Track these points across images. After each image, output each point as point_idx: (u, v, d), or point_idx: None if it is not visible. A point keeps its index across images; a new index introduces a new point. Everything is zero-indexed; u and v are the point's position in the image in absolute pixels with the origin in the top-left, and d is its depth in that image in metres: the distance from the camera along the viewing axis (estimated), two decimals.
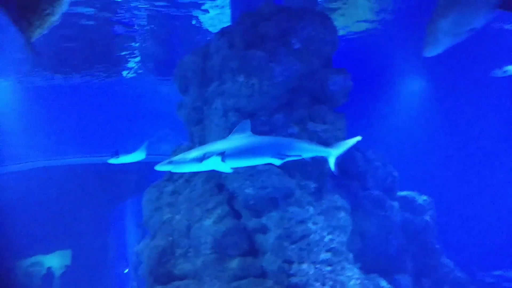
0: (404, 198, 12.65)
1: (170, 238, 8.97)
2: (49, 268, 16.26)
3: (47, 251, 15.88)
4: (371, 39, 14.47)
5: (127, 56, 15.39)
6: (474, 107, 16.34)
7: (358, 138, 7.04)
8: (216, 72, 9.36)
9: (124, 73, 17.33)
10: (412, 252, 12.11)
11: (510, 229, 16.43)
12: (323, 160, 9.02)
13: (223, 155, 5.58)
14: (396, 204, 11.79)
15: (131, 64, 16.17)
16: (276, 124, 8.98)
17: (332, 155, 7.00)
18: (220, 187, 9.16)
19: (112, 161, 10.24)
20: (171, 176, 9.75)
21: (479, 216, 16.62)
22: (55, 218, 14.71)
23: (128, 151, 10.29)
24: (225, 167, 5.89)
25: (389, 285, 9.49)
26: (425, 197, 13.05)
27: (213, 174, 8.78)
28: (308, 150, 6.79)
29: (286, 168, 8.92)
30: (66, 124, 17.84)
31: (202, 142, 9.18)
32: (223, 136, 7.79)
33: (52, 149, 17.00)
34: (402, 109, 17.64)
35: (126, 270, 17.49)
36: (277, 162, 6.19)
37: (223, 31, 9.69)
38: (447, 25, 4.62)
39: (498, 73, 12.49)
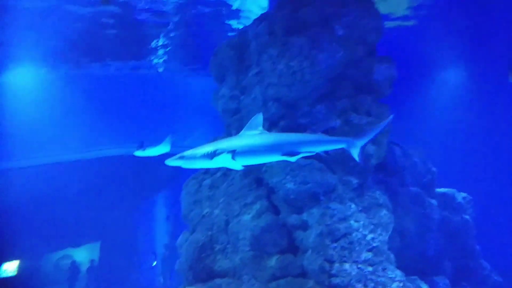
0: (443, 195, 12.09)
1: (210, 233, 8.58)
2: (77, 261, 16.15)
3: (78, 244, 15.77)
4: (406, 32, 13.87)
5: (155, 48, 15.04)
6: None
7: (390, 117, 6.68)
8: (255, 60, 8.90)
9: (154, 61, 16.97)
10: (451, 253, 11.57)
11: None
12: (368, 155, 8.55)
13: (234, 152, 5.45)
14: (434, 201, 11.25)
15: (159, 54, 15.82)
16: (318, 116, 8.49)
17: (356, 145, 6.41)
18: (259, 182, 8.74)
19: (138, 153, 9.93)
20: (208, 168, 9.33)
21: None
22: (84, 211, 14.55)
23: (156, 144, 9.96)
24: (236, 164, 5.73)
25: None
26: (464, 195, 12.50)
27: (251, 168, 8.35)
28: (325, 143, 6.36)
29: (328, 162, 8.48)
30: (95, 116, 17.62)
31: None
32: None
33: (83, 141, 16.83)
34: (441, 104, 16.96)
35: (154, 263, 17.37)
36: (291, 159, 5.89)
37: (262, 17, 9.20)
38: None
39: None
